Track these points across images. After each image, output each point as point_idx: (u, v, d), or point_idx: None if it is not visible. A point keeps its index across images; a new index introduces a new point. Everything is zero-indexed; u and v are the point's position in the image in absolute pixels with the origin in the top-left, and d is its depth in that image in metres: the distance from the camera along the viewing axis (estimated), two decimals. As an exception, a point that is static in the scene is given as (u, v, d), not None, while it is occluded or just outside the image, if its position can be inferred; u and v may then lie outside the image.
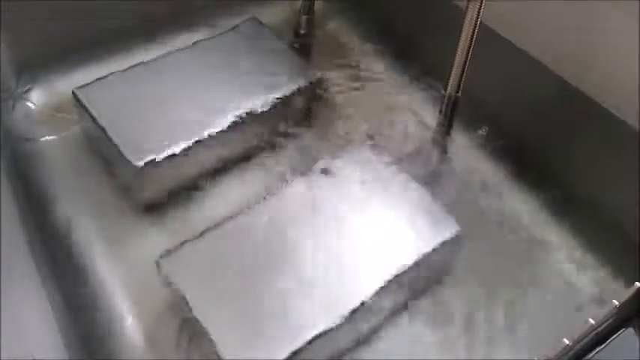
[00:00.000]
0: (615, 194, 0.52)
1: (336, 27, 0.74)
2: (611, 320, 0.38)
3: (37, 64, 0.62)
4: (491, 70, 0.56)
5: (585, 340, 0.38)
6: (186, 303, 0.43)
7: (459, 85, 0.51)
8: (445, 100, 0.52)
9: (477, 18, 0.47)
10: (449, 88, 0.51)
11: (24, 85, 0.62)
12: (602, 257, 0.53)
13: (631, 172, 0.50)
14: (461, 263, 0.51)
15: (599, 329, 0.38)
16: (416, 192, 0.51)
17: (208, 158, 0.56)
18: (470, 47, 0.49)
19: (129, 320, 0.48)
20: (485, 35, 0.49)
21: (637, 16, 0.45)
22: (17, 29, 0.60)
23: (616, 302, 0.38)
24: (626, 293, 0.38)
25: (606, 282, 0.51)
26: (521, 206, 0.57)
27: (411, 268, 0.46)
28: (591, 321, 0.37)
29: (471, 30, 0.48)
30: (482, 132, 0.55)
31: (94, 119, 0.54)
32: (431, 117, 0.62)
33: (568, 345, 0.37)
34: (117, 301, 0.49)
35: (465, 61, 0.50)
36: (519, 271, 0.52)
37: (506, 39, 0.57)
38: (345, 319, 0.43)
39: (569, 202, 0.56)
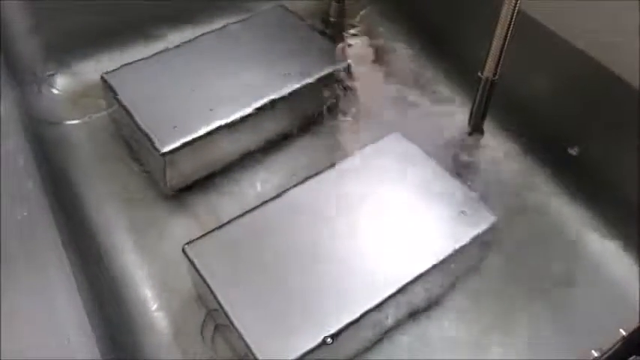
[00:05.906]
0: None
1: (367, 15, 0.72)
2: (616, 349, 0.36)
3: (63, 49, 0.62)
4: (525, 56, 0.54)
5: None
6: (211, 291, 0.42)
7: (497, 69, 0.49)
8: (481, 84, 0.50)
9: (516, 2, 0.46)
10: (485, 71, 0.49)
11: (50, 70, 0.62)
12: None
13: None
14: (496, 254, 0.50)
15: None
16: (449, 182, 0.49)
17: (235, 145, 0.55)
18: (508, 30, 0.47)
19: (154, 307, 0.47)
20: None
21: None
22: (43, 14, 0.60)
23: (623, 332, 0.36)
24: (633, 323, 0.36)
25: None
26: (556, 198, 0.55)
27: (448, 259, 0.45)
28: (594, 353, 0.35)
29: (510, 13, 0.46)
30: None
31: (121, 104, 0.53)
32: (464, 106, 0.60)
33: None
34: (142, 287, 0.48)
35: (503, 45, 0.48)
36: (555, 265, 0.50)
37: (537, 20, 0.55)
38: (376, 309, 0.42)
39: (609, 199, 0.53)
